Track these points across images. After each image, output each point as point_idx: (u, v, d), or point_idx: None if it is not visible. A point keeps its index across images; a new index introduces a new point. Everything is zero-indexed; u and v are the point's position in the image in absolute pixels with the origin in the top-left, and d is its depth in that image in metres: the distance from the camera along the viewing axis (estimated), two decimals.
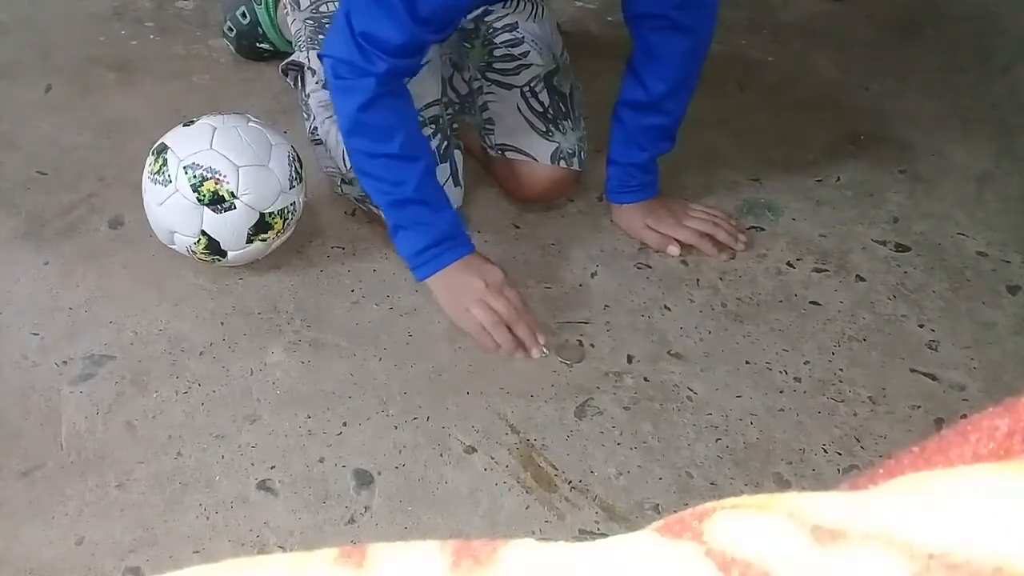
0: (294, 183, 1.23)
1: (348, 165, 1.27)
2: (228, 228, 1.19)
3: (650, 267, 1.33)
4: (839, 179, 1.49)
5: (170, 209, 1.19)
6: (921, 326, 1.27)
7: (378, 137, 1.14)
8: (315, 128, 1.31)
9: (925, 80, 1.71)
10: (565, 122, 1.34)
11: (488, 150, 1.38)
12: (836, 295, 1.30)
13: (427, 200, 1.18)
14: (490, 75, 1.36)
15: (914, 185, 1.49)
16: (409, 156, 1.15)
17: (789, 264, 1.35)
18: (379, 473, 1.06)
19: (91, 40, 1.68)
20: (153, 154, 1.21)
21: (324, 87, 1.30)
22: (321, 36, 1.33)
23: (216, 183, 1.17)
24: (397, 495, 1.04)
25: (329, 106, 1.29)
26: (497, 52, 1.36)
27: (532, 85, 1.34)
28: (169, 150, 1.19)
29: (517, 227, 1.37)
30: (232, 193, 1.17)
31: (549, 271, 1.31)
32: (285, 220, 1.23)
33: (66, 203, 1.36)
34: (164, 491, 1.03)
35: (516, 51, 1.35)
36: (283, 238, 1.26)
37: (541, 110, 1.34)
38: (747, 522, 0.25)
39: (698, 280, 1.31)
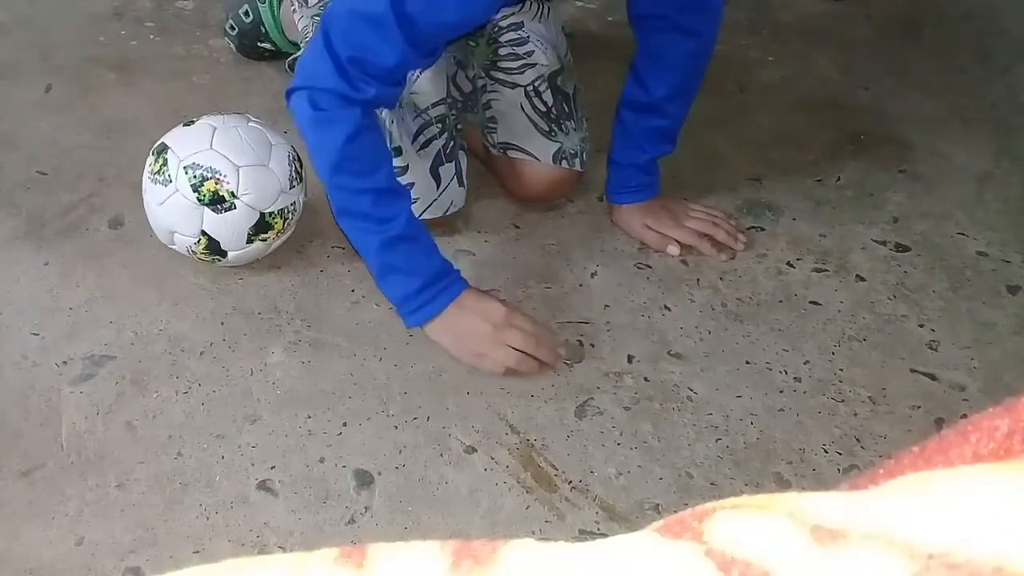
0: (294, 183, 1.23)
1: None
2: (228, 228, 1.19)
3: (650, 267, 1.33)
4: (839, 179, 1.49)
5: (170, 209, 1.19)
6: (921, 326, 1.27)
7: (364, 171, 1.09)
8: None
9: (925, 80, 1.71)
10: (568, 122, 1.35)
11: (490, 148, 1.39)
12: (836, 295, 1.30)
13: (418, 237, 1.13)
14: (494, 74, 1.36)
15: (914, 185, 1.49)
16: (396, 189, 1.12)
17: (789, 264, 1.35)
18: (379, 473, 1.06)
19: (91, 40, 1.68)
20: (153, 154, 1.21)
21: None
22: None
23: (216, 183, 1.17)
24: (397, 495, 1.04)
25: None
26: (502, 51, 1.36)
27: (536, 85, 1.34)
28: (169, 150, 1.19)
29: (517, 227, 1.37)
30: (232, 193, 1.17)
31: (549, 271, 1.31)
32: (285, 220, 1.23)
33: (66, 203, 1.36)
34: (164, 491, 1.03)
35: (521, 50, 1.35)
36: (283, 238, 1.26)
37: (544, 110, 1.34)
38: (747, 522, 0.25)
39: (698, 280, 1.31)
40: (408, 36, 1.01)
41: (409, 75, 1.17)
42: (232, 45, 1.62)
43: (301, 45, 1.39)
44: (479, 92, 1.39)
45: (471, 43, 1.39)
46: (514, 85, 1.35)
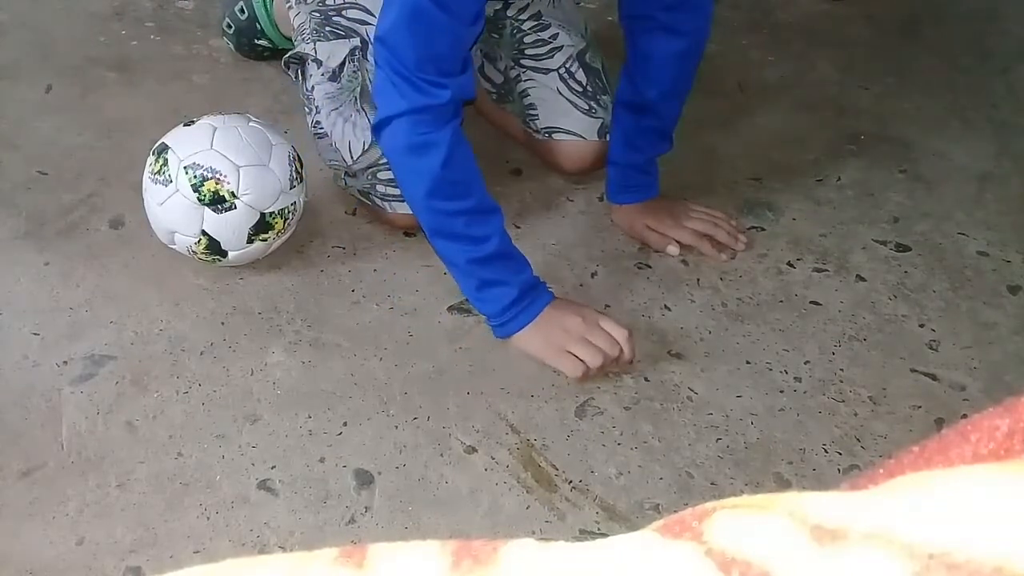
0: (294, 183, 1.23)
1: (354, 157, 1.27)
2: (229, 228, 1.19)
3: (650, 267, 1.33)
4: (839, 179, 1.49)
5: (170, 209, 1.19)
6: (922, 326, 1.27)
7: (458, 194, 1.11)
8: (318, 121, 1.31)
9: (925, 80, 1.71)
10: (604, 96, 1.38)
11: (533, 134, 1.41)
12: (836, 295, 1.30)
13: (510, 252, 1.15)
14: (525, 62, 1.40)
15: (914, 185, 1.49)
16: (488, 208, 1.14)
17: (789, 264, 1.35)
18: (379, 473, 1.06)
19: (91, 40, 1.68)
20: (153, 154, 1.21)
21: (330, 79, 1.30)
22: (328, 28, 1.32)
23: (217, 183, 1.17)
24: (397, 495, 1.04)
25: (335, 98, 1.29)
26: (527, 39, 1.39)
27: (568, 66, 1.38)
28: (170, 150, 1.19)
29: (517, 227, 1.37)
30: (233, 193, 1.17)
31: (549, 271, 1.30)
32: (285, 220, 1.23)
33: (66, 203, 1.36)
34: (164, 491, 1.03)
35: (545, 35, 1.39)
36: (283, 238, 1.26)
37: (580, 89, 1.38)
38: (747, 522, 0.25)
39: (698, 280, 1.31)
40: (444, 7, 1.03)
41: (472, 55, 1.18)
42: (231, 45, 1.62)
43: (295, 41, 1.40)
44: (512, 82, 1.42)
45: (494, 35, 1.41)
46: (547, 70, 1.38)
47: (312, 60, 1.33)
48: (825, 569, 0.22)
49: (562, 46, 1.38)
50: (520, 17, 1.40)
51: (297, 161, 1.24)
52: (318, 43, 1.32)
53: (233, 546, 0.98)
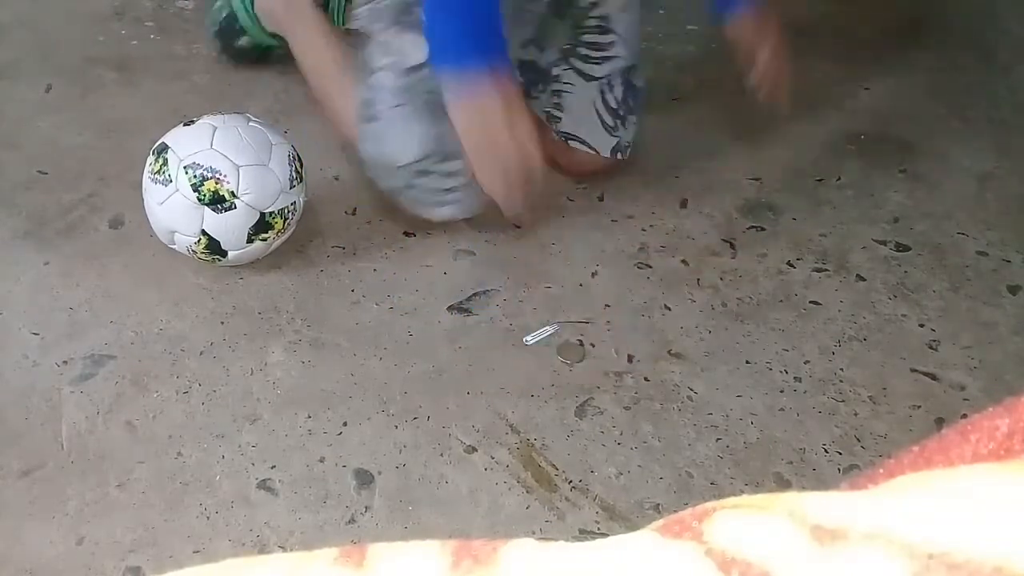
0: (294, 183, 1.23)
1: (401, 161, 1.22)
2: (228, 228, 1.19)
3: (650, 267, 1.33)
4: (839, 179, 1.49)
5: (170, 209, 1.19)
6: (921, 326, 1.27)
7: None
8: (373, 102, 1.24)
9: (925, 80, 1.71)
10: (631, 116, 1.38)
11: (551, 131, 1.40)
12: (836, 295, 1.30)
13: (495, 27, 1.12)
14: (573, 60, 1.37)
15: (914, 185, 1.49)
16: None
17: (789, 264, 1.35)
18: (379, 473, 1.06)
19: (91, 40, 1.68)
20: (153, 154, 1.21)
21: (398, 74, 1.22)
22: (408, 17, 1.21)
23: (216, 183, 1.17)
24: (397, 495, 1.04)
25: (402, 93, 1.22)
26: (585, 37, 1.37)
27: (611, 79, 1.36)
28: (169, 150, 1.19)
29: (517, 227, 1.37)
30: (232, 193, 1.17)
31: (549, 271, 1.31)
32: (285, 220, 1.23)
33: (66, 203, 1.36)
34: (164, 491, 1.03)
35: (604, 40, 1.36)
36: (283, 238, 1.26)
37: (615, 106, 1.37)
38: (747, 522, 0.25)
39: (698, 280, 1.31)
40: None
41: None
42: (218, 51, 1.59)
43: (361, 24, 1.28)
44: (549, 78, 1.39)
45: (555, 18, 1.38)
46: (590, 78, 1.36)
47: (380, 42, 1.23)
48: (825, 569, 0.22)
49: (613, 57, 1.36)
50: (589, 14, 1.35)
51: (297, 161, 1.24)
52: (394, 29, 1.22)
53: (233, 546, 0.98)
